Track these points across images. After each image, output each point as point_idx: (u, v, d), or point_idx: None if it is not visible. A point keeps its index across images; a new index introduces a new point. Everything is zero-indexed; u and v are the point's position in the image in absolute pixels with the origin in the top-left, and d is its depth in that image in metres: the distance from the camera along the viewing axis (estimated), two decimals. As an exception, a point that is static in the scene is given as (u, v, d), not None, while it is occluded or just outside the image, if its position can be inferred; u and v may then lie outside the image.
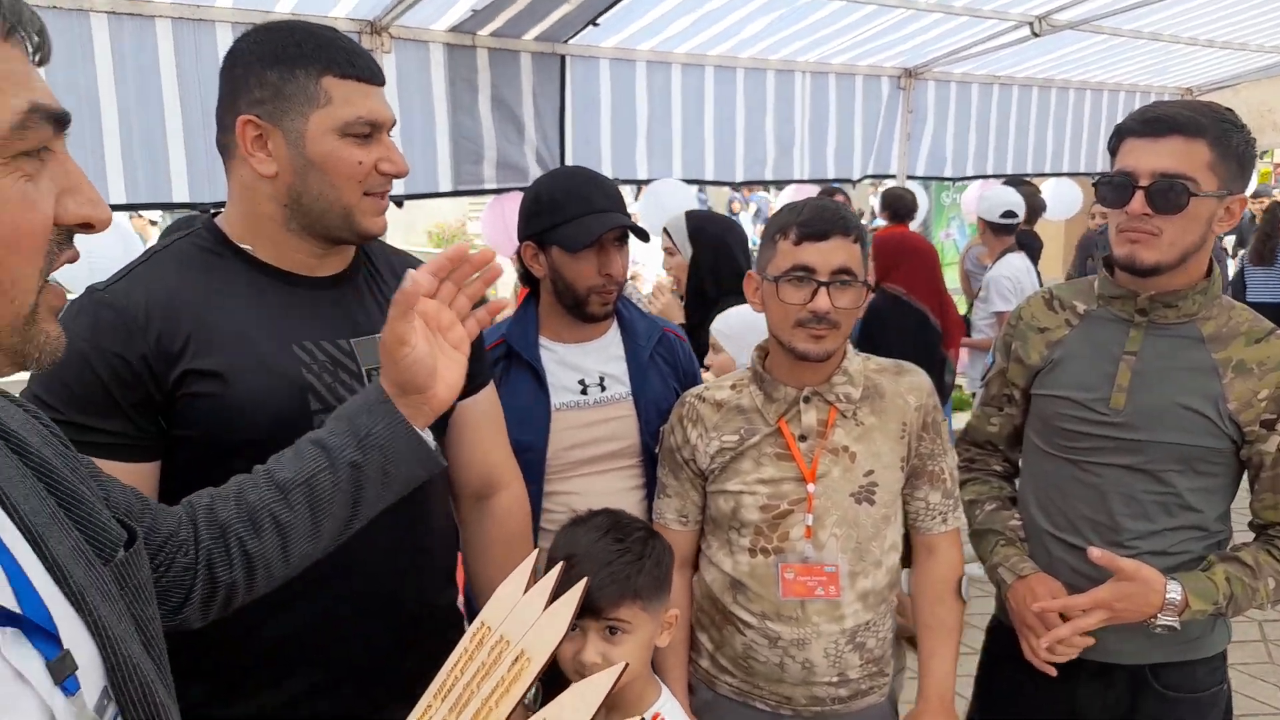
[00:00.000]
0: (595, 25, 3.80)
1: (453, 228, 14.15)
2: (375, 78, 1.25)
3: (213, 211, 1.37)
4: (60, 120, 0.65)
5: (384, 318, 1.33)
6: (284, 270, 1.28)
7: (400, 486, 1.07)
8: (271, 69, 1.20)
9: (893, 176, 5.42)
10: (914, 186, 5.42)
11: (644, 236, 1.78)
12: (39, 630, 0.65)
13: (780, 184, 5.13)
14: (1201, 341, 1.54)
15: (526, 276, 1.86)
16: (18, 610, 0.64)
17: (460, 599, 1.68)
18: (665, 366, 1.90)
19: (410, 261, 1.49)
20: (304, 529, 1.01)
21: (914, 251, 4.50)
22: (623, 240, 1.78)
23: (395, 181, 1.32)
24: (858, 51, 4.80)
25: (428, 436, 1.06)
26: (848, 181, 5.25)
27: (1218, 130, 1.46)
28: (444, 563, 1.48)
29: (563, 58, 3.98)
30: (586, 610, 1.34)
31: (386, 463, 1.03)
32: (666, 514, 1.68)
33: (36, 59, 0.65)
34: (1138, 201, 1.46)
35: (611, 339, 1.87)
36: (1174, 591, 1.46)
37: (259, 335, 1.23)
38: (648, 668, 1.46)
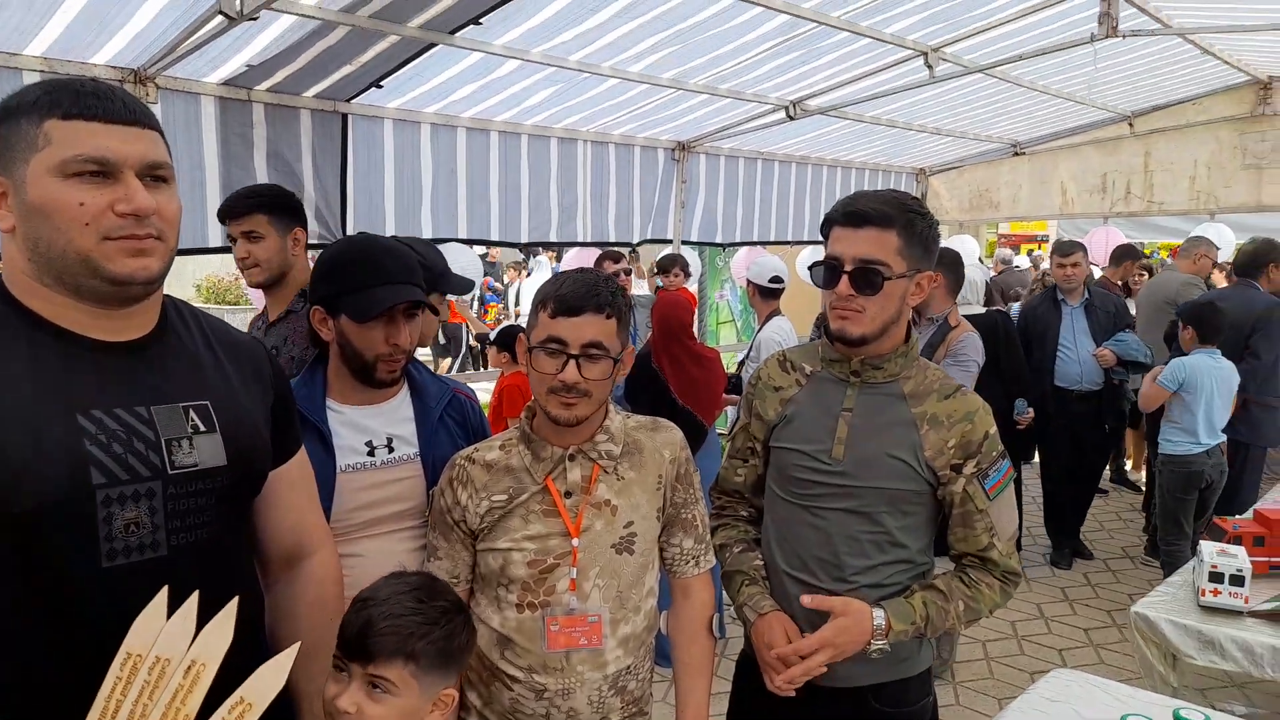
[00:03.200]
0: (379, 87, 3.83)
1: (225, 282, 13.35)
2: (116, 117, 1.16)
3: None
4: None
5: (191, 385, 1.29)
6: (74, 332, 1.19)
7: None
8: (2, 124, 1.16)
9: (670, 241, 5.77)
10: (688, 251, 5.78)
11: (435, 311, 1.83)
12: None
13: (564, 245, 5.30)
14: (903, 398, 1.77)
15: (315, 338, 1.86)
16: None
17: None
18: (456, 427, 1.92)
19: (223, 327, 1.43)
20: None
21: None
22: (412, 312, 1.81)
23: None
24: (636, 124, 5.11)
25: None
26: (628, 245, 5.52)
27: (904, 220, 1.71)
28: (251, 628, 1.40)
29: (344, 116, 3.98)
30: (357, 653, 1.33)
31: None
32: (438, 577, 1.71)
33: None
34: (844, 284, 1.70)
35: (401, 401, 1.89)
36: (879, 618, 1.68)
37: (32, 401, 1.13)
38: None
